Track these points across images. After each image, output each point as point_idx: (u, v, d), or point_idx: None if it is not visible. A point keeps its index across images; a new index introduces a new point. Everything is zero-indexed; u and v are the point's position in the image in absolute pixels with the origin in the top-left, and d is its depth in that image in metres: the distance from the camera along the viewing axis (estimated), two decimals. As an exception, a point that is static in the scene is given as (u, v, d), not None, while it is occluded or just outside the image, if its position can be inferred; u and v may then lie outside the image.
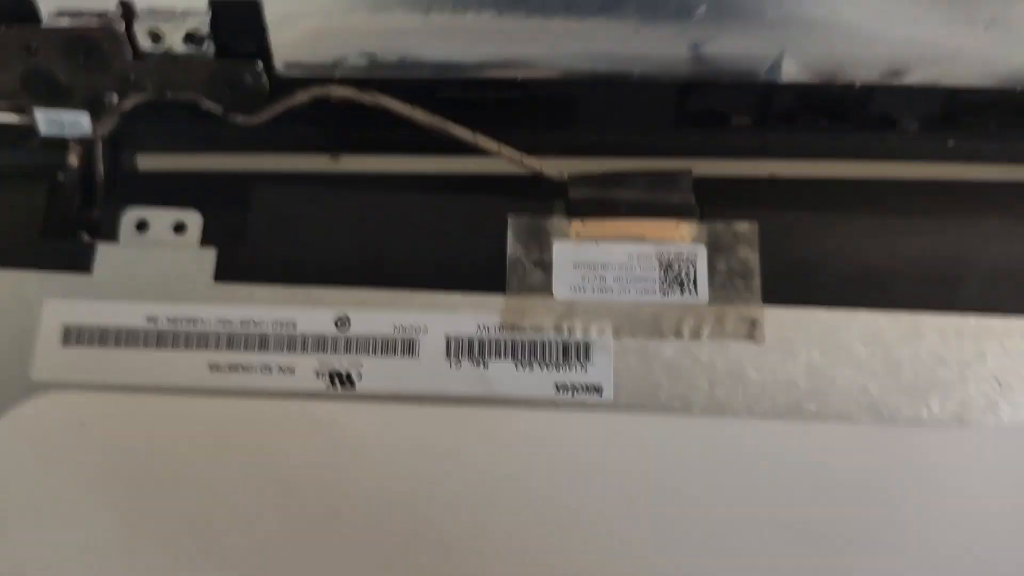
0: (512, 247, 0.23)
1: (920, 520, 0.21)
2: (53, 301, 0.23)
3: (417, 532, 0.21)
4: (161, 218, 0.24)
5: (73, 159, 0.25)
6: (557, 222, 0.24)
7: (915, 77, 0.24)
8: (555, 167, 0.24)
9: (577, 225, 0.23)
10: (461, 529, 0.21)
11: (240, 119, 0.25)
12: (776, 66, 0.24)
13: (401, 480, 0.22)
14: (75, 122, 0.25)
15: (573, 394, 0.22)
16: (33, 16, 0.23)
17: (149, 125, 0.26)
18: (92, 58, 0.24)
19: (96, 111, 0.25)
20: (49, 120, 0.25)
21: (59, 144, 0.26)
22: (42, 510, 0.22)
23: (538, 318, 0.23)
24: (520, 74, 0.24)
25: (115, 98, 0.25)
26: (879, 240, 0.23)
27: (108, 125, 0.25)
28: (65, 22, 0.23)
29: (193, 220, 0.24)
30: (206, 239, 0.24)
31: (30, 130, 0.25)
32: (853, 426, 0.22)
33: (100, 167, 0.25)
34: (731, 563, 0.21)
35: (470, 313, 0.23)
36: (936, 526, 0.21)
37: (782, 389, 0.22)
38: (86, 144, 0.25)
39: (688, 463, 0.22)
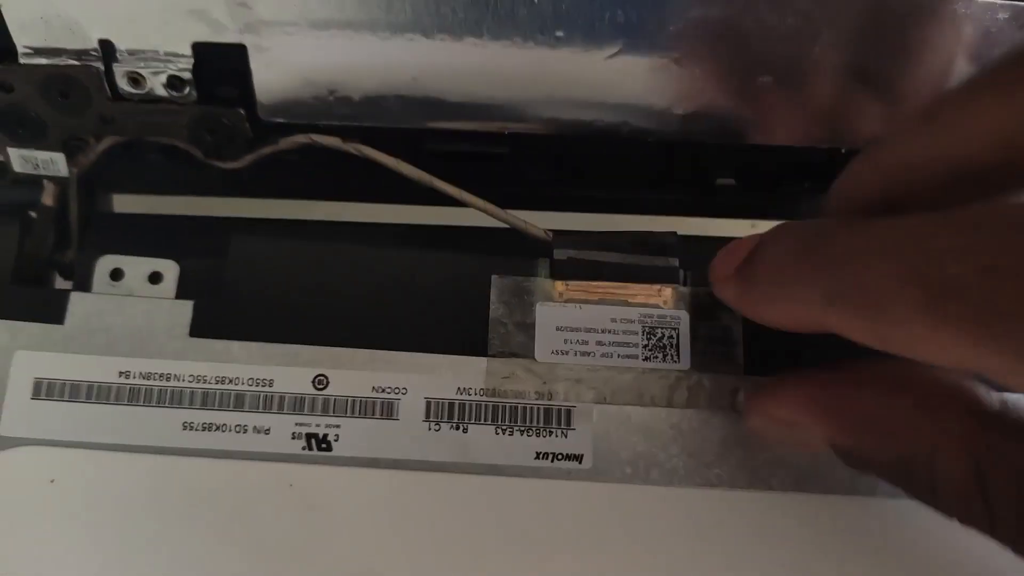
0: (494, 308, 0.23)
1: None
2: (23, 353, 0.22)
3: (392, 601, 0.21)
4: (136, 266, 0.24)
5: (47, 199, 0.25)
6: (540, 283, 0.23)
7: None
8: (541, 222, 0.24)
9: (560, 287, 0.23)
10: (436, 597, 0.21)
11: (221, 164, 0.24)
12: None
13: (377, 546, 0.21)
14: (50, 161, 0.24)
15: (553, 461, 0.22)
16: (9, 53, 0.23)
17: (126, 166, 0.25)
18: (69, 98, 0.23)
19: (72, 151, 0.24)
20: (23, 159, 0.24)
21: (33, 182, 0.25)
22: (9, 568, 0.21)
23: (519, 382, 0.22)
24: (508, 128, 0.24)
25: (92, 139, 0.24)
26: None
27: (84, 165, 0.24)
28: (43, 60, 0.23)
29: (169, 270, 0.24)
30: (182, 291, 0.23)
31: (3, 167, 0.25)
32: (847, 497, 0.22)
33: (75, 207, 0.25)
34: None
35: (450, 375, 0.22)
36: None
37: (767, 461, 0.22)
38: (61, 184, 0.25)
39: (670, 535, 0.22)
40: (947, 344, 0.15)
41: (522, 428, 0.22)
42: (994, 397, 0.18)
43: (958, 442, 0.17)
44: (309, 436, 0.22)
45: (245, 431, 0.22)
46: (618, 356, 0.23)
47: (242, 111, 0.23)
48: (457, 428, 0.22)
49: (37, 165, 0.24)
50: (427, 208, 0.25)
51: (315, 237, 0.24)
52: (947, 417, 0.18)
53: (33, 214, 0.25)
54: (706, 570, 0.22)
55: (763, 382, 0.22)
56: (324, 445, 0.22)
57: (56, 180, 0.25)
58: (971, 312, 0.14)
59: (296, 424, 0.22)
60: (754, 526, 0.22)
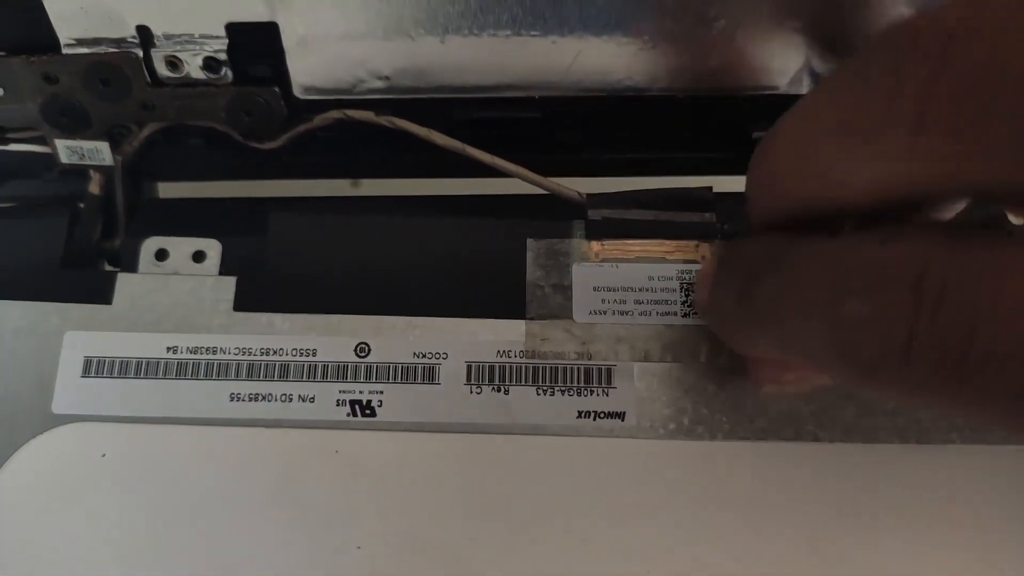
0: (531, 271, 0.23)
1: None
2: (73, 333, 0.23)
3: (438, 561, 0.21)
4: (180, 247, 0.24)
5: (94, 188, 0.26)
6: (576, 245, 0.23)
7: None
8: (574, 187, 0.24)
9: (596, 247, 0.23)
10: (484, 558, 0.21)
11: (258, 145, 0.25)
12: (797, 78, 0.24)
13: (422, 509, 0.22)
14: (95, 151, 0.25)
15: (595, 419, 0.22)
16: (53, 46, 0.23)
17: (169, 153, 0.26)
18: (111, 86, 0.24)
19: (116, 140, 0.25)
20: (70, 150, 0.25)
21: (80, 173, 0.26)
22: (63, 542, 0.21)
23: (559, 343, 0.22)
24: (537, 93, 0.24)
25: (134, 126, 0.25)
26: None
27: (128, 153, 0.25)
28: (84, 50, 0.24)
29: (212, 248, 0.24)
30: (225, 268, 0.24)
31: (51, 160, 0.26)
32: (894, 446, 0.22)
33: (120, 195, 0.25)
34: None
35: (490, 339, 0.23)
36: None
37: (808, 412, 0.22)
38: (106, 173, 0.26)
39: (716, 490, 0.22)
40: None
41: (563, 388, 0.22)
42: None
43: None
44: (353, 403, 0.22)
45: (291, 400, 0.22)
46: (656, 314, 0.23)
47: (277, 89, 0.24)
48: (498, 390, 0.22)
49: (83, 155, 0.25)
50: (460, 180, 0.26)
51: (352, 211, 0.24)
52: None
53: (81, 204, 0.26)
54: (755, 523, 0.21)
55: None
56: (368, 411, 0.22)
57: (102, 169, 0.25)
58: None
59: (340, 391, 0.22)
60: (800, 477, 0.22)
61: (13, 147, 0.26)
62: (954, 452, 0.22)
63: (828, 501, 0.21)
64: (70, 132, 0.25)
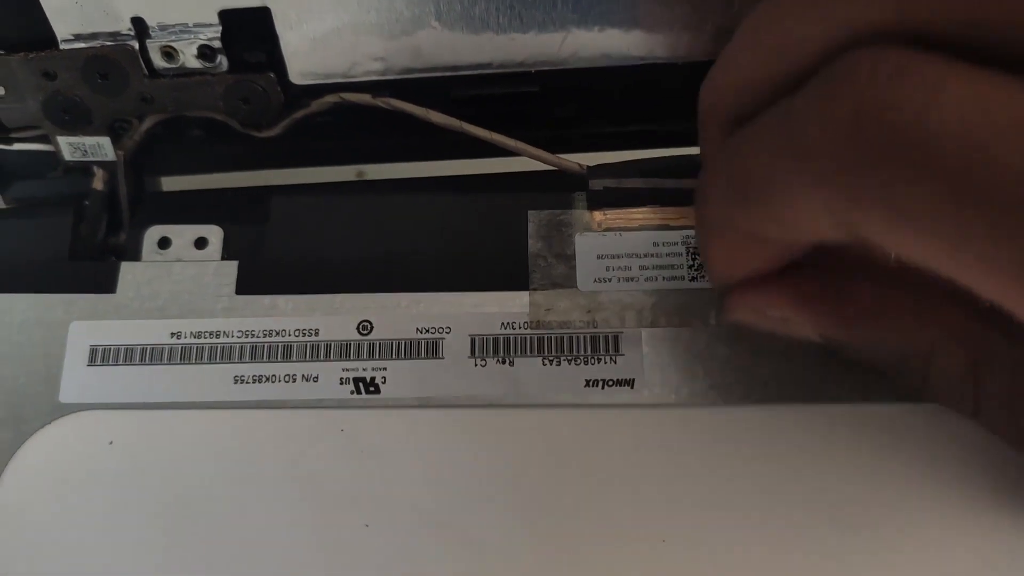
0: (533, 242, 0.23)
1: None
2: (78, 323, 0.23)
3: (448, 537, 0.21)
4: (183, 234, 0.24)
5: (97, 184, 0.26)
6: (578, 215, 0.23)
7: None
8: (575, 161, 0.24)
9: (599, 216, 0.23)
10: (494, 532, 0.21)
11: (257, 133, 0.25)
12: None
13: (429, 484, 0.21)
14: (97, 146, 0.25)
15: (604, 388, 0.21)
16: (51, 42, 0.24)
17: (170, 147, 0.26)
18: (109, 79, 0.24)
19: (117, 135, 0.25)
20: (72, 146, 0.25)
21: (83, 170, 0.26)
22: (74, 530, 0.21)
23: (563, 312, 0.22)
24: (534, 67, 0.24)
25: (134, 120, 0.25)
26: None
27: (129, 147, 0.25)
28: (81, 45, 0.24)
29: (214, 235, 0.24)
30: (227, 253, 0.24)
31: (54, 158, 0.26)
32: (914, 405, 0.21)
33: (124, 190, 0.25)
34: (775, 558, 0.20)
35: (494, 311, 0.22)
36: None
37: (823, 372, 0.21)
38: (109, 168, 0.26)
39: (730, 454, 0.21)
40: (828, 209, 0.14)
41: (569, 357, 0.22)
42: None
43: (958, 342, 0.17)
44: (357, 380, 0.22)
45: (294, 380, 0.22)
46: (663, 279, 0.22)
47: (273, 75, 0.24)
48: (503, 362, 0.22)
49: (85, 151, 0.25)
50: (461, 161, 0.25)
51: (351, 191, 0.24)
52: (947, 314, 0.17)
53: (87, 202, 0.26)
54: (771, 488, 0.21)
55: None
56: (372, 388, 0.22)
57: (104, 165, 0.26)
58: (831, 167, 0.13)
59: (343, 370, 0.22)
60: (817, 440, 0.21)
61: (17, 147, 0.26)
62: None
63: (846, 464, 0.21)
64: (72, 128, 0.25)
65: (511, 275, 0.23)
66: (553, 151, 0.24)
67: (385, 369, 0.22)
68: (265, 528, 0.21)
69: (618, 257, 0.22)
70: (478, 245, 0.23)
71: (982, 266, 0.12)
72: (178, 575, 0.21)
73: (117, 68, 0.24)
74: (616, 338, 0.22)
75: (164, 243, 0.24)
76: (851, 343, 0.19)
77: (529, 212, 0.23)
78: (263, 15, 0.23)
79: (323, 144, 0.26)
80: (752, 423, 0.21)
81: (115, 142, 0.25)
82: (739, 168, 0.16)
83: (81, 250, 0.25)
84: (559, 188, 0.23)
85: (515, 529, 0.21)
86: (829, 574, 0.20)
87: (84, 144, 0.25)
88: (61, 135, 0.25)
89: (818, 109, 0.13)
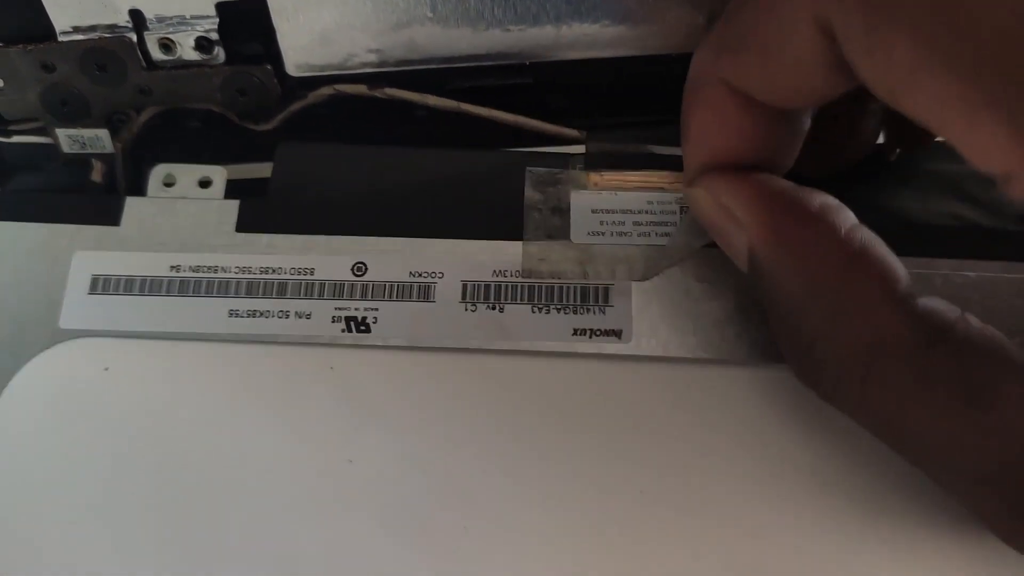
0: (529, 195, 0.23)
1: None
2: (82, 253, 0.23)
3: (428, 477, 0.21)
4: (188, 173, 0.25)
5: (96, 176, 0.26)
6: (575, 175, 0.23)
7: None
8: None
9: (595, 178, 0.23)
10: (473, 476, 0.21)
11: (254, 126, 0.25)
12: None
13: (414, 425, 0.21)
14: (95, 138, 0.26)
15: (591, 337, 0.22)
16: (49, 34, 0.24)
17: (168, 141, 0.26)
18: (107, 71, 0.24)
19: (115, 127, 0.26)
20: (71, 139, 0.26)
21: (82, 163, 0.26)
22: (65, 451, 0.22)
23: (556, 263, 0.22)
24: (528, 59, 0.24)
25: (132, 112, 0.25)
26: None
27: (127, 140, 0.25)
28: (79, 37, 0.24)
29: (218, 175, 0.25)
30: (230, 194, 0.24)
31: (53, 151, 0.26)
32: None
33: (123, 183, 0.26)
34: (762, 516, 0.20)
35: (487, 259, 0.23)
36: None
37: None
38: (108, 160, 0.26)
39: (718, 411, 0.21)
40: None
41: (559, 306, 0.22)
42: None
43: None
44: (348, 319, 0.22)
45: (287, 316, 0.22)
46: (656, 235, 0.22)
47: (269, 67, 0.24)
48: (493, 308, 0.22)
49: (84, 143, 0.26)
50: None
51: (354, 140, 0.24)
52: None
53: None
54: (757, 446, 0.21)
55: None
56: (363, 327, 0.22)
57: (103, 157, 0.26)
58: None
59: (336, 308, 0.22)
60: (802, 399, 0.21)
61: (16, 139, 0.26)
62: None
63: (832, 424, 0.21)
64: (70, 120, 0.25)
65: (506, 225, 0.23)
66: (550, 143, 0.24)
67: (377, 310, 0.22)
68: (251, 460, 0.21)
69: (612, 212, 0.23)
70: (475, 195, 0.23)
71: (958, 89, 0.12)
72: (164, 502, 0.21)
73: (115, 60, 0.24)
74: (607, 290, 0.22)
75: (169, 180, 0.25)
76: (770, 264, 0.18)
77: (527, 169, 0.23)
78: (260, 7, 0.23)
79: (321, 136, 0.26)
80: (739, 381, 0.21)
81: (113, 134, 0.26)
82: (732, 13, 0.16)
83: None
84: (558, 156, 0.24)
85: (496, 474, 0.21)
86: (812, 531, 0.20)
87: (83, 136, 0.26)
88: (60, 127, 0.25)
89: None
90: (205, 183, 0.24)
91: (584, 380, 0.21)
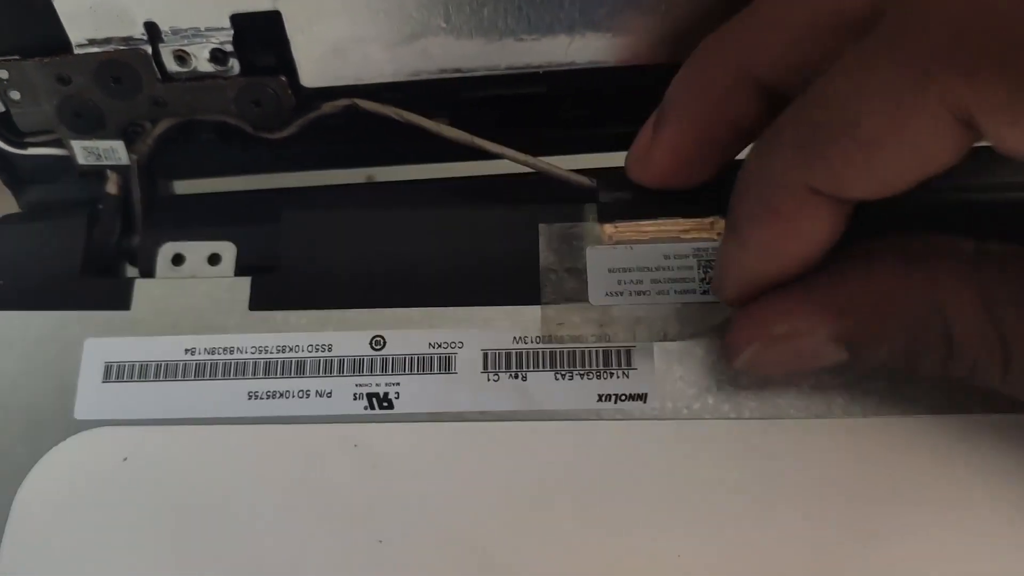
0: (544, 256, 0.23)
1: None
2: (93, 340, 0.23)
3: (462, 553, 0.21)
4: (196, 250, 0.24)
5: (111, 188, 0.26)
6: (589, 228, 0.23)
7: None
8: (583, 164, 0.24)
9: (609, 230, 0.23)
10: (509, 547, 0.21)
11: (269, 135, 0.25)
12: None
13: (443, 500, 0.21)
14: (111, 150, 0.26)
15: (616, 402, 0.22)
16: (65, 47, 0.24)
17: (183, 151, 0.26)
18: (123, 83, 0.24)
19: (130, 138, 0.25)
20: (86, 150, 0.26)
21: (98, 175, 0.26)
22: (88, 546, 0.21)
23: (575, 327, 0.22)
24: (542, 68, 0.24)
25: (147, 124, 0.25)
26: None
27: (142, 151, 0.25)
28: (95, 50, 0.24)
29: (227, 251, 0.24)
30: (240, 269, 0.24)
31: (69, 163, 0.26)
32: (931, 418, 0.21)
33: (138, 193, 0.26)
34: (791, 572, 0.20)
35: (506, 326, 0.22)
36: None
37: (836, 386, 0.21)
38: (123, 172, 0.26)
39: (743, 469, 0.21)
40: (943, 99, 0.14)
41: (582, 372, 0.22)
42: (967, 242, 0.17)
43: (962, 285, 0.17)
44: (370, 395, 0.22)
45: (308, 396, 0.22)
46: (675, 292, 0.22)
47: (284, 78, 0.24)
48: (516, 377, 0.22)
49: (99, 155, 0.26)
50: (472, 163, 0.25)
51: (362, 204, 0.24)
52: (943, 268, 0.17)
53: (100, 206, 0.26)
54: (788, 502, 0.21)
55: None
56: (385, 403, 0.22)
57: (118, 169, 0.26)
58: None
59: (356, 385, 0.22)
60: (834, 454, 0.21)
61: (32, 151, 0.26)
62: (991, 422, 0.21)
63: (864, 477, 0.21)
64: (86, 132, 0.25)
65: (522, 288, 0.23)
66: (564, 152, 0.24)
67: (398, 384, 0.22)
68: (279, 544, 0.21)
69: (629, 271, 0.22)
70: (489, 258, 0.23)
71: None
72: (193, 590, 0.21)
73: (130, 72, 0.24)
74: (629, 352, 0.22)
75: (178, 259, 0.24)
76: (868, 341, 0.18)
77: (540, 225, 0.23)
78: (274, 19, 0.23)
79: (334, 147, 0.26)
80: (766, 437, 0.21)
81: (128, 146, 0.25)
82: (816, 109, 0.16)
83: (95, 255, 0.25)
84: (570, 196, 0.23)
85: (529, 545, 0.21)
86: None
87: (98, 148, 0.26)
88: (75, 139, 0.25)
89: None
90: (214, 259, 0.24)
91: (613, 444, 0.21)
